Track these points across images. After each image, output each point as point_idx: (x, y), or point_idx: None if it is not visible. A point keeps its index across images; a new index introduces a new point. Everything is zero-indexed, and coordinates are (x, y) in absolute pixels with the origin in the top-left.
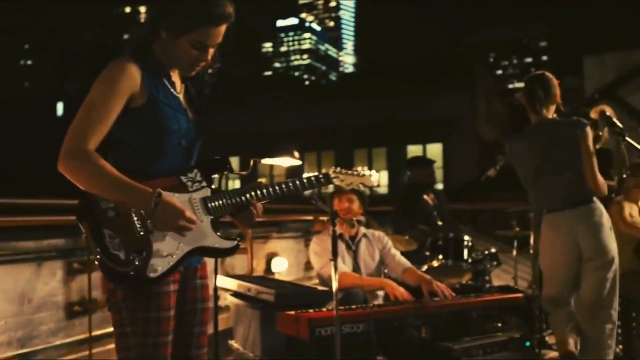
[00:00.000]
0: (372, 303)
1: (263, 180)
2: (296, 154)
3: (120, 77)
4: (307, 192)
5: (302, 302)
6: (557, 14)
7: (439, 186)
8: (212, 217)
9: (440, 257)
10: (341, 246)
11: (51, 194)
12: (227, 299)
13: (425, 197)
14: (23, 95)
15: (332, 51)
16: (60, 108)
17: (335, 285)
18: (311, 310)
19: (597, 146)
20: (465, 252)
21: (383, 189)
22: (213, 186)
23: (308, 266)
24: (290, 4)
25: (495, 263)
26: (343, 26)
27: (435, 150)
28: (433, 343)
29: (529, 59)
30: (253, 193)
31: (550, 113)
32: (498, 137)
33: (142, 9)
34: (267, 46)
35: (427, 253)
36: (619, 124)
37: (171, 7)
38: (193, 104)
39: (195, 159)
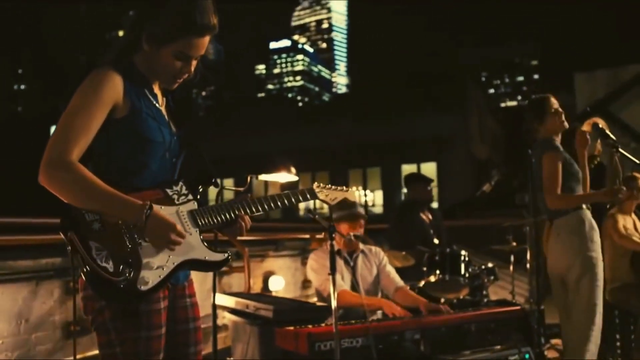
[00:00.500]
0: (371, 318)
1: None
2: (293, 169)
3: (102, 86)
4: (303, 211)
5: (300, 317)
6: (547, 33)
7: (434, 205)
8: (200, 230)
9: (438, 272)
10: (339, 262)
11: (46, 213)
12: (225, 318)
13: (421, 215)
14: (16, 119)
15: (325, 72)
16: (53, 131)
17: (334, 300)
18: (310, 326)
19: (596, 160)
20: (462, 267)
21: (378, 209)
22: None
23: (305, 284)
24: (282, 26)
25: (492, 278)
26: (335, 48)
27: (429, 169)
28: (432, 357)
29: (520, 78)
30: (241, 207)
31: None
32: (491, 155)
33: None
34: (260, 68)
35: (424, 268)
36: (611, 135)
37: (153, 17)
38: (174, 117)
39: (178, 173)
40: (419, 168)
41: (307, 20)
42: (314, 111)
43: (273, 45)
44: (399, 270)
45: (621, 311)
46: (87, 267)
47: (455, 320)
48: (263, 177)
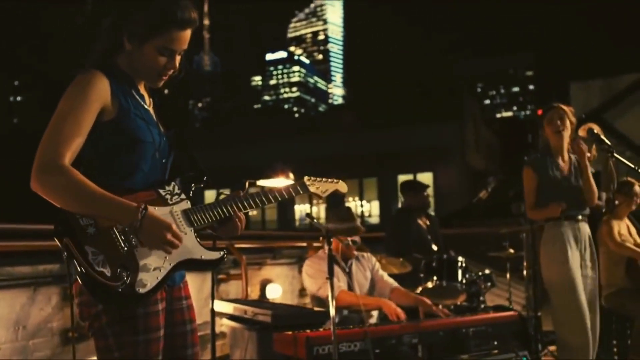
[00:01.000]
0: (368, 322)
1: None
2: (291, 175)
3: (89, 88)
4: (304, 217)
5: (298, 322)
6: (542, 43)
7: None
8: (195, 229)
9: (435, 278)
10: (335, 268)
11: (44, 220)
12: (222, 325)
13: (419, 221)
14: (12, 130)
15: (321, 83)
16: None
17: (332, 304)
18: (308, 330)
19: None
20: (460, 273)
21: (374, 219)
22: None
23: (302, 293)
24: (279, 37)
25: (489, 284)
26: (332, 59)
27: (425, 180)
28: None
29: (516, 89)
30: (234, 203)
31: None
32: (487, 165)
33: None
34: (257, 79)
35: (421, 275)
36: (607, 141)
37: (132, 14)
38: (162, 118)
39: (169, 173)
40: (415, 178)
41: (303, 31)
42: (310, 122)
43: (269, 56)
44: (396, 277)
45: (617, 316)
46: (84, 272)
47: (453, 325)
48: (261, 182)
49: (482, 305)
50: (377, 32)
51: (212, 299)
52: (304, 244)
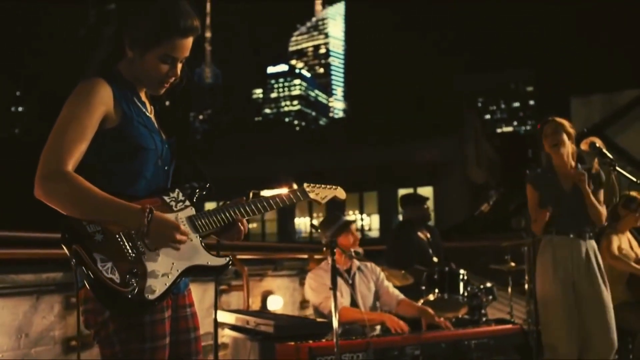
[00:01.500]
0: (371, 334)
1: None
2: (295, 186)
3: (92, 94)
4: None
5: (301, 333)
6: (543, 59)
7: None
8: (200, 235)
9: (436, 291)
10: (338, 279)
11: (47, 228)
12: (223, 336)
13: (419, 233)
14: (14, 140)
15: (322, 97)
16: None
17: (335, 315)
18: (311, 341)
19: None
20: (461, 285)
21: (374, 233)
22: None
23: (303, 305)
24: (280, 50)
25: (490, 297)
26: (332, 73)
27: (426, 194)
28: None
29: (516, 104)
30: (237, 209)
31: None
32: (487, 179)
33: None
34: (258, 92)
35: (423, 287)
36: (608, 154)
37: (134, 22)
38: (163, 126)
39: (171, 181)
40: (415, 192)
41: (304, 45)
42: (311, 135)
43: (270, 69)
44: (397, 289)
45: (619, 330)
46: (95, 278)
47: (455, 337)
48: (265, 192)
49: (484, 318)
50: (378, 46)
51: (215, 309)
52: (305, 256)
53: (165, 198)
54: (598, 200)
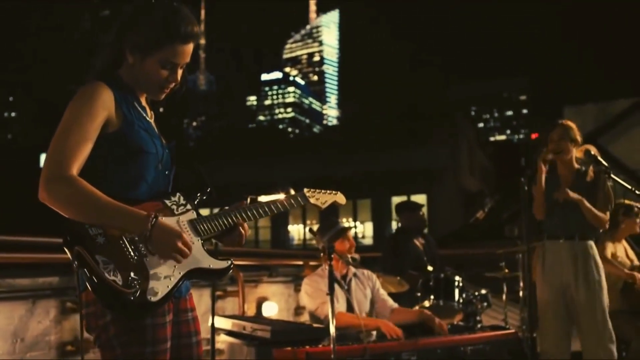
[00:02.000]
0: (367, 340)
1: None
2: (292, 192)
3: (94, 99)
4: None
5: (297, 338)
6: (537, 68)
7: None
8: (202, 238)
9: (432, 297)
10: (335, 285)
11: (43, 233)
12: (218, 342)
13: (415, 241)
14: (6, 146)
15: (316, 104)
16: (43, 160)
17: (332, 320)
18: (307, 346)
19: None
20: (457, 292)
21: (368, 240)
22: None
23: (298, 311)
24: (274, 58)
25: (485, 304)
26: (327, 80)
27: (419, 201)
28: None
29: (509, 112)
30: (238, 213)
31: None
32: (481, 187)
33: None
34: (252, 99)
35: (418, 294)
36: (603, 162)
37: (134, 28)
38: (163, 131)
39: (172, 185)
40: (409, 200)
41: (298, 52)
42: (305, 143)
43: (265, 77)
44: (393, 296)
45: None
46: (97, 280)
47: (451, 343)
48: (262, 198)
49: (479, 325)
50: (372, 54)
51: (213, 315)
52: (300, 263)
53: (167, 202)
54: (596, 206)
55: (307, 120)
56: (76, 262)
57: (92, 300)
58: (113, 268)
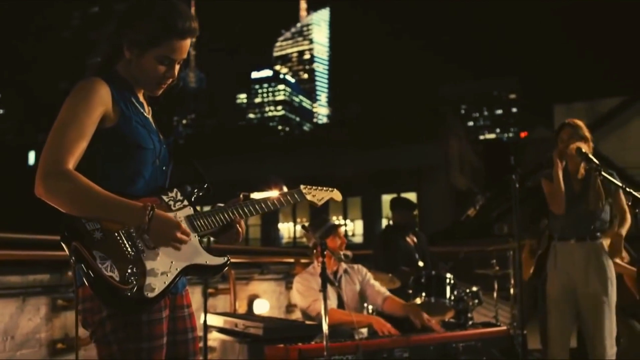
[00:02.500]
0: (358, 336)
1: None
2: (285, 189)
3: (92, 94)
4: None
5: (290, 335)
6: (526, 67)
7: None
8: (199, 235)
9: (423, 294)
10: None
11: (35, 230)
12: (210, 340)
13: (407, 238)
14: None
15: (306, 102)
16: (32, 157)
17: (325, 317)
18: (300, 344)
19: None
20: (448, 289)
21: (358, 238)
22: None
23: (289, 309)
24: (264, 56)
25: (476, 301)
26: (317, 78)
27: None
28: None
29: (499, 111)
30: (236, 210)
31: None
32: (470, 185)
33: None
34: (242, 97)
35: (410, 291)
36: (594, 159)
37: (132, 24)
38: (160, 127)
39: (169, 181)
40: (405, 197)
41: (289, 50)
42: (295, 141)
43: (255, 75)
44: None
45: None
46: (94, 275)
47: (443, 340)
48: (255, 195)
49: (470, 322)
50: (362, 52)
51: (205, 312)
52: (292, 260)
53: (164, 197)
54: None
55: (298, 118)
56: (73, 258)
57: (89, 295)
58: (110, 264)
